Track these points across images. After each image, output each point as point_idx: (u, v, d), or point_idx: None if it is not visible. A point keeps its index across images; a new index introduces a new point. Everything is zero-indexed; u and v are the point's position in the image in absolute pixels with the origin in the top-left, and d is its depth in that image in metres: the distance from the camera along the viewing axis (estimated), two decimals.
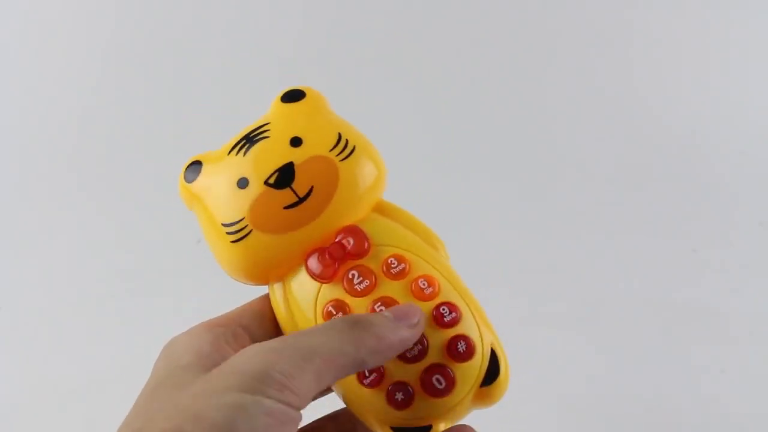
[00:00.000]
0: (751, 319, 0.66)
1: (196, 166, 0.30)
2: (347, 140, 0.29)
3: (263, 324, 0.29)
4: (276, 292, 0.29)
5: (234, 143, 0.30)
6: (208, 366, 0.24)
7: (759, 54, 0.94)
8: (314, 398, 0.28)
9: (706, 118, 0.90)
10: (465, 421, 0.29)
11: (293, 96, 0.31)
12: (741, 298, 0.68)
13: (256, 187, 0.28)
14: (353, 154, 0.29)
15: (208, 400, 0.21)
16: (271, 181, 0.28)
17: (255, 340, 0.28)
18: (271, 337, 0.28)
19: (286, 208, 0.28)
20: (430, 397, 0.27)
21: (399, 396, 0.27)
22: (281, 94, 0.31)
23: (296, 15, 0.94)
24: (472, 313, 0.29)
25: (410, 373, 0.27)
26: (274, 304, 0.29)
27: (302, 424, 0.30)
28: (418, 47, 0.93)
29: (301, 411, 0.23)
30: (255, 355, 0.23)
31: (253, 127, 0.30)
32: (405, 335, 0.25)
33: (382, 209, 0.30)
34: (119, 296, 0.69)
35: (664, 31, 0.95)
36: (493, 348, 0.29)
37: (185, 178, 0.30)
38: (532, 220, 0.77)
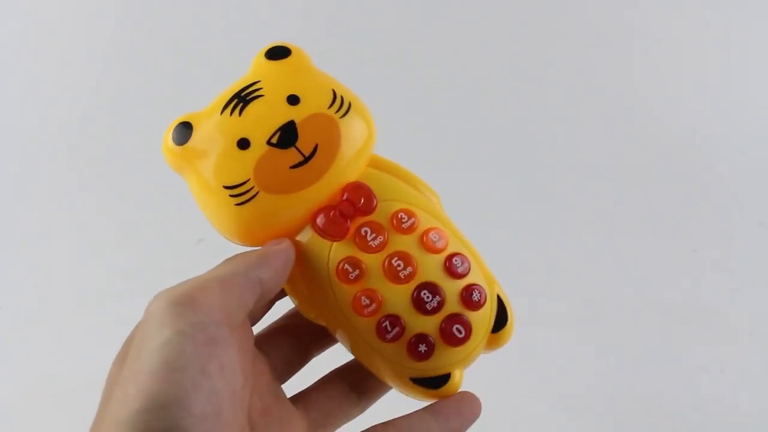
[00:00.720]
0: (751, 319, 0.66)
1: (184, 127, 0.29)
2: (342, 97, 0.29)
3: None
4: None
5: (224, 102, 0.29)
6: None
7: (759, 54, 0.94)
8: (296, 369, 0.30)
9: (706, 118, 0.90)
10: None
11: (279, 52, 0.30)
12: (741, 298, 0.68)
13: (258, 147, 0.28)
14: (350, 110, 0.29)
15: (138, 355, 0.22)
16: (274, 140, 0.28)
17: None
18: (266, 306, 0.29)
19: (292, 167, 0.27)
20: (450, 346, 0.28)
21: (422, 348, 0.27)
22: (265, 50, 0.30)
23: (296, 15, 0.94)
24: (476, 262, 0.29)
25: (430, 325, 0.28)
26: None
27: (310, 382, 0.30)
28: (417, 47, 0.93)
29: (232, 338, 0.23)
30: (160, 297, 0.23)
31: (242, 85, 0.29)
32: (279, 247, 0.27)
33: (375, 163, 0.30)
34: (119, 296, 0.69)
35: (664, 31, 0.95)
36: (499, 294, 0.30)
37: (175, 140, 0.29)
38: (532, 220, 0.77)
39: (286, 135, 0.28)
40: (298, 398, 0.29)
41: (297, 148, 0.28)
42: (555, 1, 0.95)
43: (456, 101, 0.90)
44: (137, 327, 0.24)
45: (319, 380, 0.31)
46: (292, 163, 0.27)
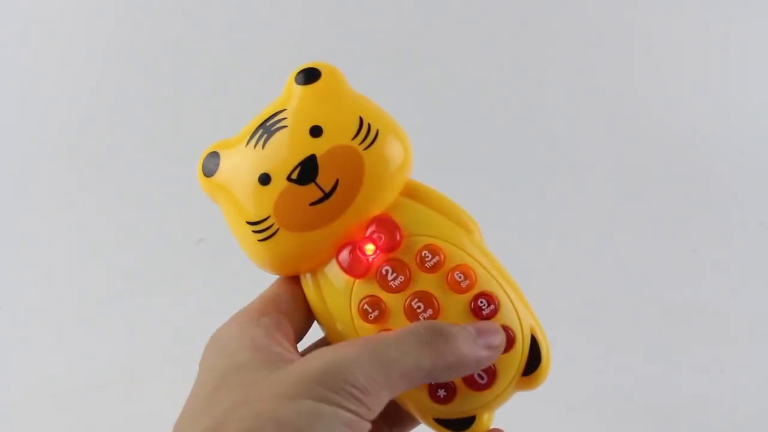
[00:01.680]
0: (751, 319, 0.66)
1: (213, 158, 0.28)
2: (369, 124, 0.27)
3: (300, 309, 0.28)
4: (309, 283, 0.28)
5: (251, 132, 0.28)
6: (269, 360, 0.24)
7: (759, 54, 0.94)
8: None
9: (706, 118, 0.90)
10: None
11: (308, 76, 0.28)
12: (741, 298, 0.68)
13: (279, 183, 0.27)
14: (377, 139, 0.27)
15: (286, 405, 0.21)
16: (294, 176, 0.26)
17: (297, 328, 0.27)
18: (309, 325, 0.28)
19: (311, 204, 0.26)
20: (473, 391, 0.27)
21: (441, 393, 0.27)
22: (294, 74, 0.29)
23: (296, 15, 0.94)
24: (510, 300, 0.28)
25: None
26: (308, 295, 0.28)
27: None
28: (417, 47, 0.93)
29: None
30: (331, 362, 0.22)
31: (269, 114, 0.28)
32: (483, 355, 0.25)
33: (410, 190, 0.29)
34: (119, 296, 0.69)
35: (664, 32, 0.95)
36: (534, 334, 0.28)
37: (204, 171, 0.28)
38: (532, 220, 0.77)
39: (306, 170, 0.26)
40: None
41: (317, 184, 0.26)
42: (555, 1, 0.95)
43: (456, 102, 0.90)
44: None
45: None
46: (311, 200, 0.26)
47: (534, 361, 0.28)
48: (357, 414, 0.21)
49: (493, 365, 0.27)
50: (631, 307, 0.67)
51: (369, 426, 0.22)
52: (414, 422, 0.30)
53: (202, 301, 0.64)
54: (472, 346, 0.24)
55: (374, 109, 0.28)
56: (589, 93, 0.91)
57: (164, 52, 0.93)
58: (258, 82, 0.90)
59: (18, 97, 0.91)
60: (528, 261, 0.71)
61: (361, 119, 0.27)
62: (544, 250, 0.73)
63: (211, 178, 0.28)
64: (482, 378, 0.27)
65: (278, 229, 0.27)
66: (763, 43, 0.94)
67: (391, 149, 0.28)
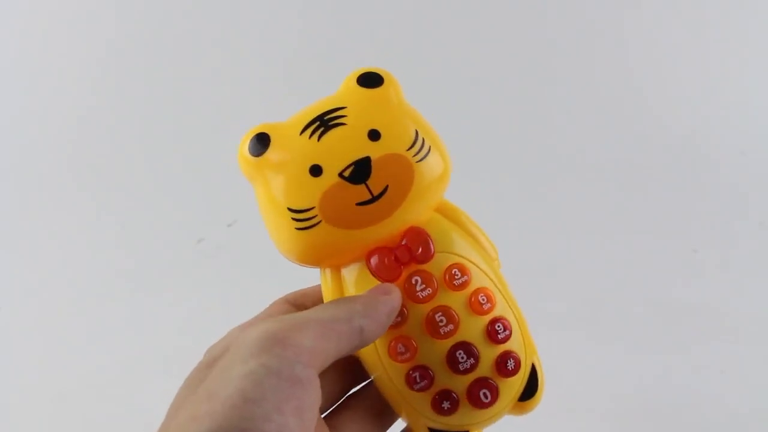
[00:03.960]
0: (751, 319, 0.66)
1: (262, 138, 0.28)
2: (423, 139, 0.28)
3: None
4: (329, 278, 0.29)
5: (306, 122, 0.28)
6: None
7: (759, 54, 0.94)
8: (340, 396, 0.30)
9: (706, 118, 0.90)
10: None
11: (371, 80, 0.29)
12: (741, 298, 0.68)
13: (329, 177, 0.27)
14: (428, 155, 0.28)
15: (218, 380, 0.22)
16: (347, 174, 0.27)
17: None
18: None
19: (358, 204, 0.27)
20: (474, 408, 0.28)
21: (446, 404, 0.28)
22: (357, 75, 0.29)
23: (296, 15, 0.94)
24: (519, 328, 0.29)
25: (458, 384, 0.28)
26: (326, 291, 0.29)
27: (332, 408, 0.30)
28: (418, 46, 0.93)
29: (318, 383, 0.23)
30: (254, 327, 0.23)
31: (327, 108, 0.28)
32: (386, 298, 0.26)
33: (441, 208, 0.30)
34: (119, 296, 0.69)
35: (665, 32, 0.95)
36: (534, 364, 0.30)
37: (250, 150, 0.28)
38: (533, 220, 0.77)
39: (360, 171, 0.27)
40: (330, 426, 0.29)
41: (367, 186, 0.27)
42: (556, 1, 0.96)
43: (457, 102, 0.90)
44: (226, 352, 0.24)
45: (344, 407, 0.31)
46: (359, 200, 0.27)
47: (531, 388, 0.29)
48: (286, 360, 0.22)
49: (497, 386, 0.28)
50: (631, 307, 0.67)
51: (307, 376, 0.22)
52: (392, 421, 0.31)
53: (202, 301, 0.64)
54: (375, 298, 0.26)
55: (427, 125, 0.29)
56: (589, 93, 0.91)
57: (164, 53, 0.93)
58: (258, 82, 0.90)
59: (18, 97, 0.91)
60: (528, 261, 0.71)
61: (416, 132, 0.28)
62: (544, 250, 0.73)
63: (258, 158, 0.28)
64: (486, 397, 0.28)
65: (320, 221, 0.27)
66: (763, 43, 0.94)
67: (439, 166, 0.29)
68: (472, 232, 0.30)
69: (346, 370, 0.30)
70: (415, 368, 0.28)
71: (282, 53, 0.92)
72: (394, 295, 0.27)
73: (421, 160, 0.28)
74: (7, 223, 0.79)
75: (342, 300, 0.26)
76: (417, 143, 0.28)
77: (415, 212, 0.28)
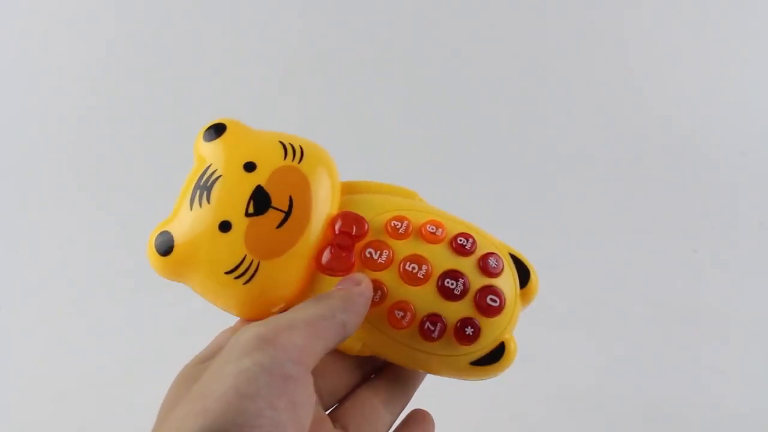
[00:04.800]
0: (751, 319, 0.66)
1: (164, 235, 0.29)
2: (291, 144, 0.29)
3: None
4: None
5: (189, 198, 0.29)
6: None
7: (759, 54, 0.94)
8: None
9: (706, 118, 0.90)
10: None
11: (215, 131, 0.30)
12: (741, 298, 0.68)
13: (239, 223, 0.28)
14: (304, 153, 0.29)
15: (212, 378, 0.22)
16: (251, 210, 0.28)
17: None
18: None
19: (278, 227, 0.28)
20: (492, 317, 0.28)
21: (469, 330, 0.28)
22: (201, 134, 0.31)
23: (295, 15, 0.94)
24: (478, 233, 0.30)
25: (465, 307, 0.28)
26: None
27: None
28: (418, 45, 0.93)
29: (310, 377, 0.24)
30: (246, 330, 0.24)
31: (197, 175, 0.29)
32: (360, 289, 0.27)
33: (347, 189, 0.31)
34: (119, 296, 0.69)
35: (665, 32, 0.95)
36: (512, 253, 0.31)
37: (160, 251, 0.28)
38: (533, 220, 0.77)
39: (259, 200, 0.28)
40: (334, 419, 0.30)
41: (274, 208, 0.28)
42: (556, 1, 0.95)
43: (457, 103, 0.90)
44: (218, 352, 0.25)
45: (350, 400, 0.31)
46: (276, 223, 0.28)
47: (524, 273, 0.30)
48: (277, 357, 0.22)
49: (498, 287, 0.29)
50: (632, 307, 0.67)
51: (298, 373, 0.23)
52: (407, 399, 0.31)
53: (202, 301, 0.64)
54: (348, 290, 0.27)
55: (285, 134, 0.30)
56: (589, 93, 0.91)
57: (164, 53, 0.93)
58: (258, 82, 0.90)
59: (18, 97, 0.91)
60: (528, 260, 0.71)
61: (281, 142, 0.29)
62: (544, 250, 0.73)
63: (171, 255, 0.28)
64: (495, 301, 0.29)
65: (258, 262, 0.28)
66: (763, 43, 0.94)
67: (320, 157, 0.30)
68: (383, 191, 0.31)
69: (348, 366, 0.31)
70: (422, 321, 0.28)
71: (282, 53, 0.92)
72: (364, 284, 0.27)
73: (300, 160, 0.29)
74: (7, 223, 0.79)
75: (321, 298, 0.27)
76: (288, 150, 0.29)
77: (327, 204, 0.29)
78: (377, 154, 0.81)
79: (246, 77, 0.90)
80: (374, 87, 0.89)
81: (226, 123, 0.30)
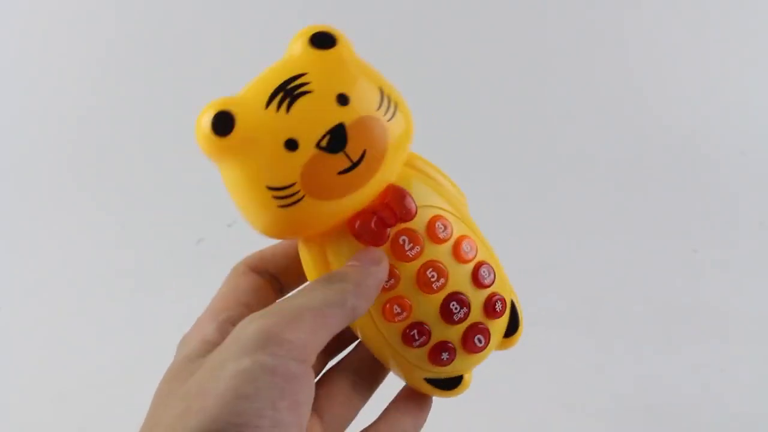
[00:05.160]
0: (751, 319, 0.66)
1: (227, 116, 0.27)
2: (389, 97, 0.28)
3: (261, 299, 0.29)
4: (311, 252, 0.28)
5: (269, 94, 0.27)
6: (212, 350, 0.24)
7: (759, 54, 0.94)
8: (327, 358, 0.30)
9: (706, 118, 0.90)
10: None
11: (324, 41, 0.28)
12: (741, 298, 0.68)
13: (306, 149, 0.26)
14: (396, 112, 0.28)
15: (210, 376, 0.22)
16: (324, 144, 0.26)
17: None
18: None
19: (340, 173, 0.26)
20: (470, 353, 0.29)
21: (444, 355, 0.28)
22: (307, 36, 0.28)
23: (296, 15, 0.94)
24: (497, 268, 0.30)
25: (454, 334, 0.28)
26: (307, 264, 0.28)
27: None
28: (418, 45, 0.93)
29: (311, 370, 0.23)
30: (249, 323, 0.23)
31: (287, 76, 0.27)
32: (376, 270, 0.26)
33: (408, 161, 0.29)
34: (119, 296, 0.69)
35: (665, 32, 0.95)
36: (513, 301, 0.31)
37: (215, 130, 0.26)
38: (533, 220, 0.77)
39: (336, 139, 0.26)
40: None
41: (346, 153, 0.26)
42: (556, 1, 0.95)
43: (458, 102, 0.90)
44: (219, 347, 0.24)
45: (322, 381, 0.30)
46: (340, 169, 0.26)
47: (513, 324, 0.30)
48: (282, 358, 0.22)
49: (489, 330, 0.29)
50: (631, 307, 0.67)
51: (302, 371, 0.22)
52: (379, 382, 0.31)
53: (202, 301, 0.64)
54: (363, 272, 0.26)
55: (385, 80, 0.29)
56: (589, 93, 0.91)
57: (164, 53, 0.93)
58: None
59: (18, 97, 0.91)
60: (528, 261, 0.71)
61: (381, 91, 0.28)
62: (544, 249, 0.73)
63: (225, 138, 0.26)
64: (480, 342, 0.29)
65: (303, 195, 0.26)
66: (763, 43, 0.94)
67: (404, 122, 0.28)
68: (438, 180, 0.30)
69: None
70: (411, 326, 0.28)
71: (282, 52, 0.92)
72: (382, 265, 0.27)
73: (390, 119, 0.27)
74: (7, 223, 0.79)
75: (332, 278, 0.25)
76: (384, 102, 0.28)
77: (392, 172, 0.28)
78: None
79: (246, 77, 0.90)
80: None
81: (338, 38, 0.28)
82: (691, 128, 0.89)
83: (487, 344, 0.29)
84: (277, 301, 0.25)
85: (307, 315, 0.23)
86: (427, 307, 0.28)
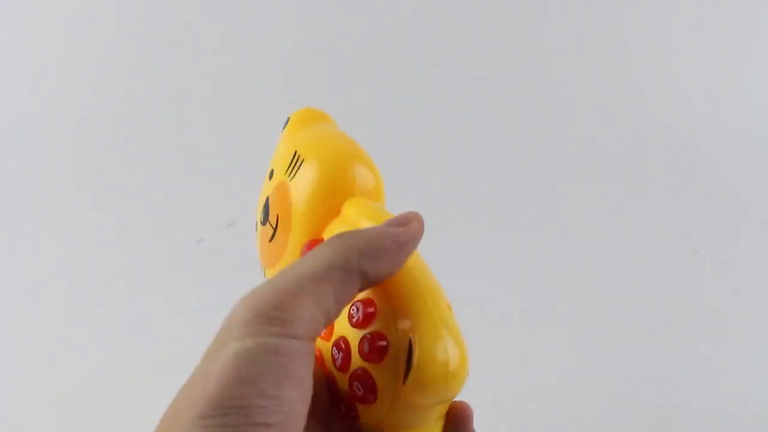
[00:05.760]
0: (751, 319, 0.66)
1: None
2: (299, 155, 0.27)
3: None
4: None
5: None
6: None
7: (759, 54, 0.94)
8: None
9: (706, 118, 0.90)
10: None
11: (286, 122, 0.30)
12: (741, 298, 0.68)
13: (258, 227, 0.29)
14: (300, 168, 0.26)
15: (214, 358, 0.21)
16: (259, 218, 0.29)
17: None
18: None
19: (269, 241, 0.28)
20: (364, 405, 0.24)
21: (343, 408, 0.25)
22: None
23: (296, 15, 0.94)
24: (389, 306, 0.23)
25: (343, 383, 0.24)
26: None
27: None
28: (418, 46, 0.93)
29: (315, 341, 0.22)
30: (249, 298, 0.22)
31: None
32: (396, 230, 0.23)
33: (349, 208, 0.27)
34: (119, 296, 0.69)
35: (665, 32, 0.95)
36: (411, 336, 0.23)
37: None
38: (533, 220, 0.77)
39: (264, 212, 0.28)
40: None
41: (269, 222, 0.28)
42: (555, 2, 0.95)
43: (458, 102, 0.90)
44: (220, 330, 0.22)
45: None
46: (268, 238, 0.28)
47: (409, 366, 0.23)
48: (285, 336, 0.20)
49: (370, 375, 0.23)
50: (631, 307, 0.67)
51: (306, 348, 0.21)
52: None
53: (201, 301, 0.64)
54: (380, 229, 0.23)
55: (316, 139, 0.27)
56: (589, 93, 0.91)
57: (164, 53, 0.93)
58: (258, 82, 0.90)
59: (18, 97, 0.91)
60: (528, 261, 0.71)
61: (295, 152, 0.27)
62: (544, 250, 0.73)
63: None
64: (359, 389, 0.23)
65: (264, 269, 0.29)
66: (763, 43, 0.94)
67: (311, 174, 0.26)
68: (357, 224, 0.26)
69: None
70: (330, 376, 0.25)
71: (282, 53, 0.92)
72: (412, 227, 0.23)
73: (292, 177, 0.27)
74: (7, 223, 0.79)
75: (341, 237, 0.23)
76: (292, 162, 0.27)
77: (311, 227, 0.26)
78: (377, 154, 0.81)
79: (246, 77, 0.90)
80: (374, 87, 0.89)
81: (290, 117, 0.30)
82: (691, 128, 0.89)
83: (375, 391, 0.23)
84: (280, 270, 0.23)
85: (308, 284, 0.21)
86: (328, 357, 0.25)
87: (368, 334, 0.23)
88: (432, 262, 0.25)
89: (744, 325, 0.65)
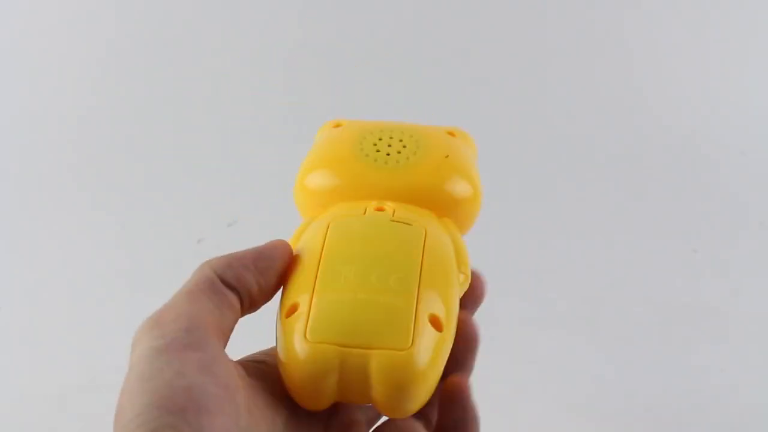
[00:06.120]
0: (751, 319, 0.66)
1: None
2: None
3: None
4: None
5: None
6: None
7: (759, 54, 0.94)
8: None
9: (706, 118, 0.90)
10: None
11: None
12: (741, 298, 0.68)
13: None
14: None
15: (125, 375, 0.23)
16: None
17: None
18: None
19: None
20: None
21: None
22: None
23: (296, 15, 0.94)
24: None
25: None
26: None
27: None
28: (418, 46, 0.93)
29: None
30: (140, 326, 0.26)
31: None
32: (267, 246, 0.27)
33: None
34: (119, 296, 0.69)
35: (665, 32, 0.95)
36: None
37: None
38: (533, 220, 0.77)
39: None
40: None
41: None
42: (555, 2, 0.95)
43: (457, 102, 0.90)
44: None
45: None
46: None
47: None
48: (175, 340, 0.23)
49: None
50: (631, 307, 0.67)
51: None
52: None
53: None
54: None
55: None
56: (589, 93, 0.91)
57: (164, 52, 0.93)
58: (257, 82, 0.90)
59: (18, 97, 0.91)
60: (528, 261, 0.71)
61: None
62: (544, 250, 0.73)
63: None
64: None
65: None
66: (763, 43, 0.94)
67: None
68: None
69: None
70: None
71: (281, 53, 0.92)
72: (277, 246, 0.26)
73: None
74: (7, 223, 0.79)
75: (212, 260, 0.26)
76: None
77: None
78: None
79: (246, 77, 0.90)
80: (374, 87, 0.89)
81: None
82: (691, 128, 0.89)
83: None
84: None
85: (180, 296, 0.25)
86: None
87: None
88: None
89: (744, 325, 0.65)
